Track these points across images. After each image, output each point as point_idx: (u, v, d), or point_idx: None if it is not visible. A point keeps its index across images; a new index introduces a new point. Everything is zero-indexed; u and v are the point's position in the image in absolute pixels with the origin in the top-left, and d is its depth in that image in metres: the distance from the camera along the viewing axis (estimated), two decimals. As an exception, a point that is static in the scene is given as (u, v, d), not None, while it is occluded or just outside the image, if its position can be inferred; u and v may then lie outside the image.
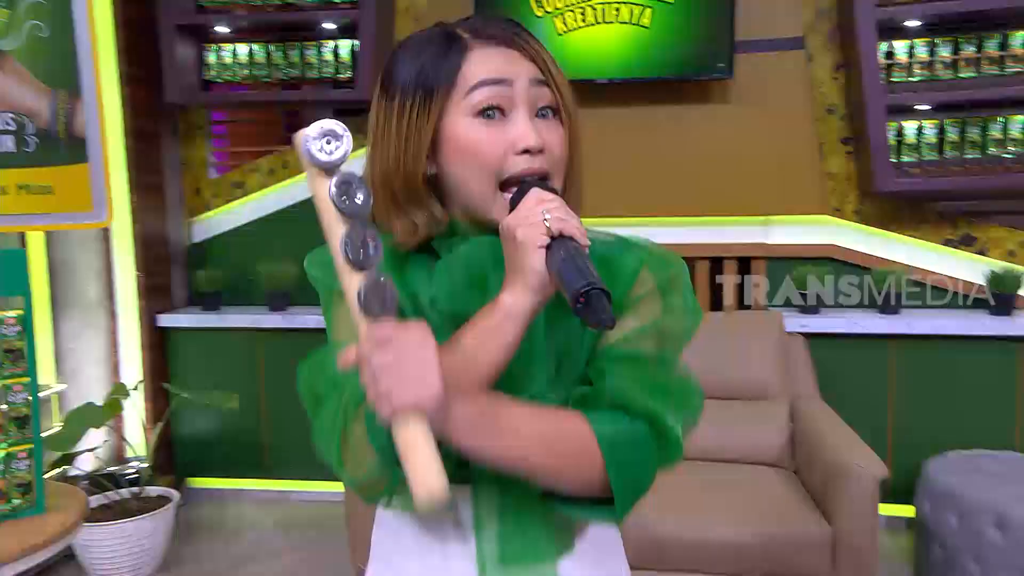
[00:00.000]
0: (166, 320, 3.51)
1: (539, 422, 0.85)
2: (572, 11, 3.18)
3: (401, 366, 0.71)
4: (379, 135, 0.92)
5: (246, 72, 3.42)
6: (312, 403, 0.94)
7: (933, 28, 3.07)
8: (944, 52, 3.04)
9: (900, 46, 3.07)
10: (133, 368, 3.43)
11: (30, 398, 1.99)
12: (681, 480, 2.47)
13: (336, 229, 0.77)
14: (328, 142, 0.77)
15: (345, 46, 3.36)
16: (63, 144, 2.61)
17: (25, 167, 2.55)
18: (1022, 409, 3.10)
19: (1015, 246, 3.18)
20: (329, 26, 3.34)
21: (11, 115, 2.51)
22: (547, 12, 3.20)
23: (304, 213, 3.48)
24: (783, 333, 3.08)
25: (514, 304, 0.83)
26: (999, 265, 3.12)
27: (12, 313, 1.95)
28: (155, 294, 3.51)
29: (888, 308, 3.17)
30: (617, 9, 3.15)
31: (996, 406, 3.15)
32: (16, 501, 1.95)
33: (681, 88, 3.27)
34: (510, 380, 0.88)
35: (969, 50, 3.02)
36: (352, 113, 3.46)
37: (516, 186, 0.88)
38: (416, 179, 0.91)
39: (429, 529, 0.99)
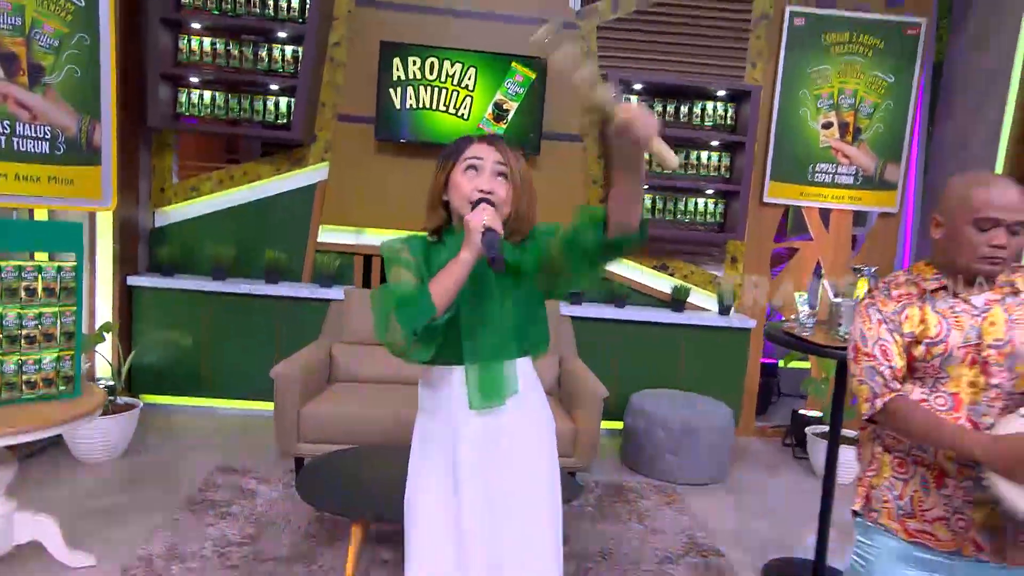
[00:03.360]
0: (133, 281, 3.64)
1: None
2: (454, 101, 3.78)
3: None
4: (432, 179, 1.40)
5: (208, 111, 3.67)
6: (376, 307, 1.30)
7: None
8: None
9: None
10: (106, 315, 3.49)
11: (75, 320, 2.27)
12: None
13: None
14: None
15: (284, 102, 3.70)
16: (84, 151, 2.85)
17: (55, 165, 2.77)
18: (680, 364, 3.93)
19: (688, 272, 4.09)
20: (274, 87, 3.69)
21: (49, 128, 2.73)
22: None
23: (243, 212, 3.82)
24: (559, 315, 3.62)
25: (466, 258, 1.27)
26: (679, 282, 4.01)
27: (69, 264, 2.24)
28: (126, 262, 3.62)
29: (620, 304, 3.94)
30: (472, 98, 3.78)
31: (671, 363, 3.90)
32: (63, 387, 2.24)
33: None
34: (484, 298, 1.34)
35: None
36: (284, 148, 3.82)
37: (475, 205, 1.31)
38: (438, 200, 1.39)
39: (441, 381, 1.41)
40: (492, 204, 1.30)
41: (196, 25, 3.61)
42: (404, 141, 3.79)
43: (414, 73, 3.71)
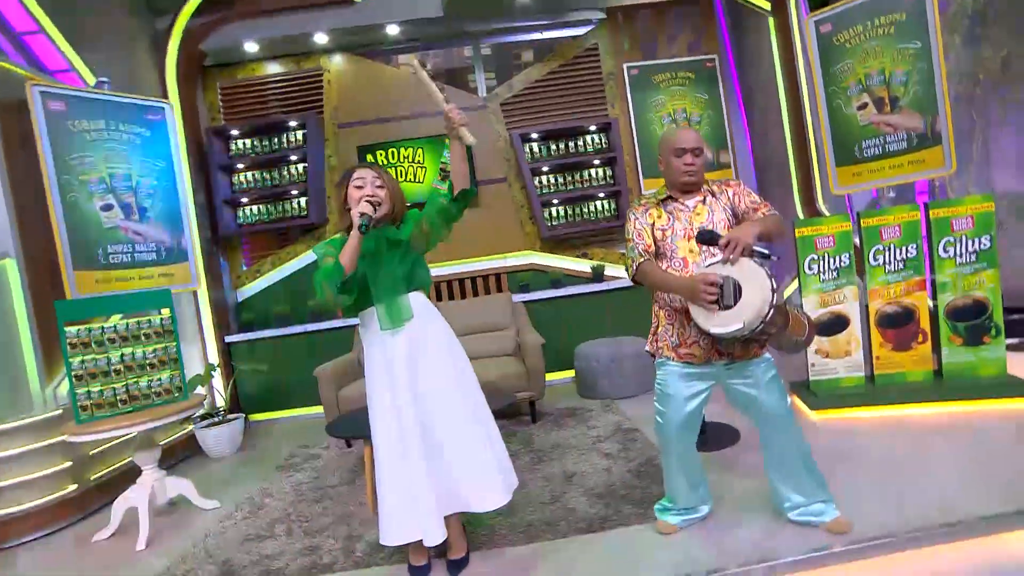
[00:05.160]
0: (229, 338, 4.17)
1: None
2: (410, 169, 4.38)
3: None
4: (336, 197, 1.69)
5: (257, 219, 4.35)
6: (315, 282, 1.55)
7: (554, 168, 4.36)
8: (561, 180, 4.41)
9: (543, 179, 4.35)
10: (213, 360, 4.05)
11: (176, 349, 2.82)
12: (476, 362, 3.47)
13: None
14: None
15: (303, 200, 4.34)
16: (176, 254, 3.52)
17: (161, 265, 3.39)
18: (606, 319, 4.21)
19: (603, 255, 4.46)
20: (294, 192, 4.34)
21: (154, 243, 3.34)
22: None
23: (291, 279, 4.30)
24: (511, 301, 4.03)
25: (354, 234, 1.55)
26: (596, 263, 4.36)
27: (166, 314, 2.82)
28: (222, 327, 4.19)
29: (557, 285, 4.31)
30: (424, 168, 4.37)
31: (599, 320, 4.13)
32: (176, 394, 2.77)
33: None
34: (380, 261, 1.58)
35: (569, 178, 4.39)
36: (306, 230, 4.38)
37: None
38: (344, 208, 1.68)
39: (369, 319, 1.65)
40: (373, 204, 1.58)
41: (240, 165, 4.33)
42: (386, 208, 4.33)
43: (382, 161, 4.33)
